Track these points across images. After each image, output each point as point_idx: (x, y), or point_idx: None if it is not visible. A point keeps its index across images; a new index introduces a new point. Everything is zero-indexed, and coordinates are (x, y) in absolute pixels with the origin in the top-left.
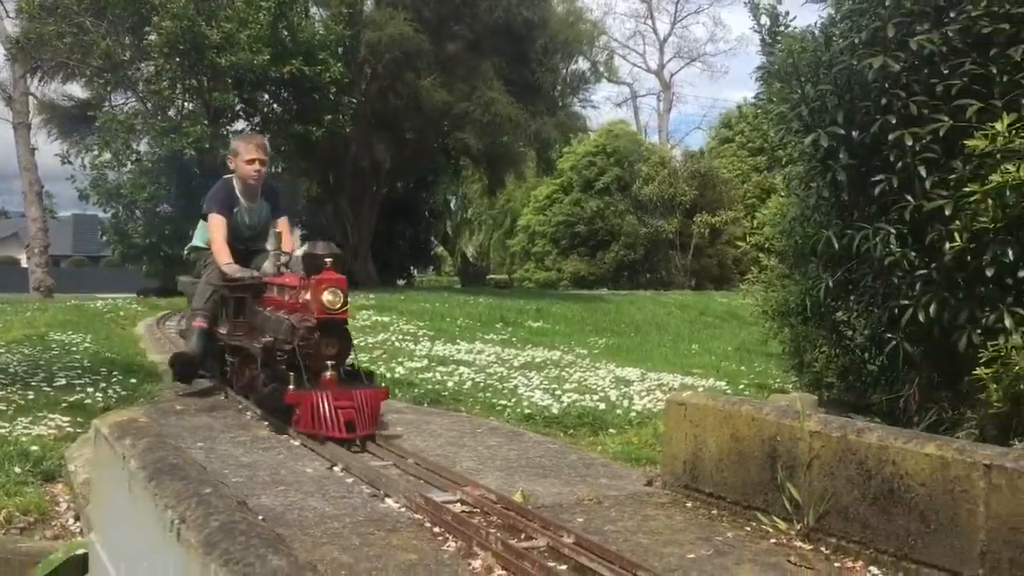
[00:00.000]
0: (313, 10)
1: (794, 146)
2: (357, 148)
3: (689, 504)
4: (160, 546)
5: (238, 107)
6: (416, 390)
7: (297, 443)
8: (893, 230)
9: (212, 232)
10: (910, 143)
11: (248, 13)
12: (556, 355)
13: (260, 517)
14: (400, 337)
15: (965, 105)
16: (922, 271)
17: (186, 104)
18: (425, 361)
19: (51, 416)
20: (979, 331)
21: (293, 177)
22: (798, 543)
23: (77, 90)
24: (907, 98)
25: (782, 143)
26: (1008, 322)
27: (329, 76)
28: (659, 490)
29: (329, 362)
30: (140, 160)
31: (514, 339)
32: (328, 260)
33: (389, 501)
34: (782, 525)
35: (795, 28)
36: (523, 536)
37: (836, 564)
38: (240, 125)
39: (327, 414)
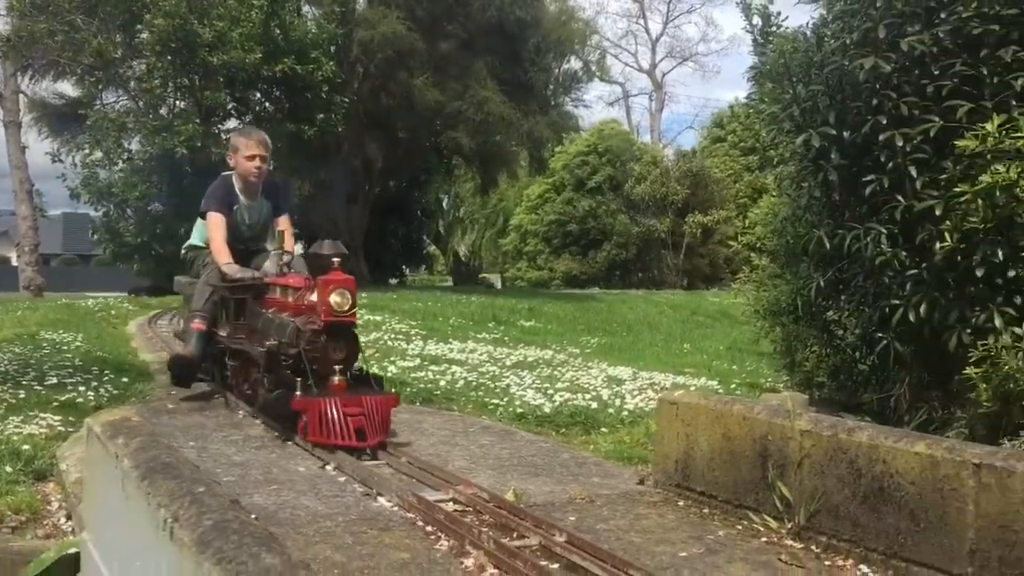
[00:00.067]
0: (305, 8)
1: (786, 146)
2: (349, 147)
3: (681, 503)
4: (153, 545)
5: (230, 106)
6: (408, 389)
7: (289, 442)
8: (884, 230)
9: (211, 231)
10: (901, 143)
11: (240, 11)
12: (548, 354)
13: (253, 516)
14: (392, 336)
15: (955, 106)
16: (913, 271)
17: (178, 102)
18: (417, 360)
19: (42, 415)
20: (969, 331)
21: (285, 176)
22: (789, 541)
23: (68, 88)
24: (898, 99)
25: (774, 143)
26: (998, 322)
27: (321, 75)
28: (651, 489)
29: (337, 367)
30: (131, 159)
31: (506, 338)
32: (335, 260)
33: (382, 500)
34: (773, 524)
35: (787, 28)
36: (515, 535)
37: (827, 562)
38: (232, 123)
39: (336, 421)
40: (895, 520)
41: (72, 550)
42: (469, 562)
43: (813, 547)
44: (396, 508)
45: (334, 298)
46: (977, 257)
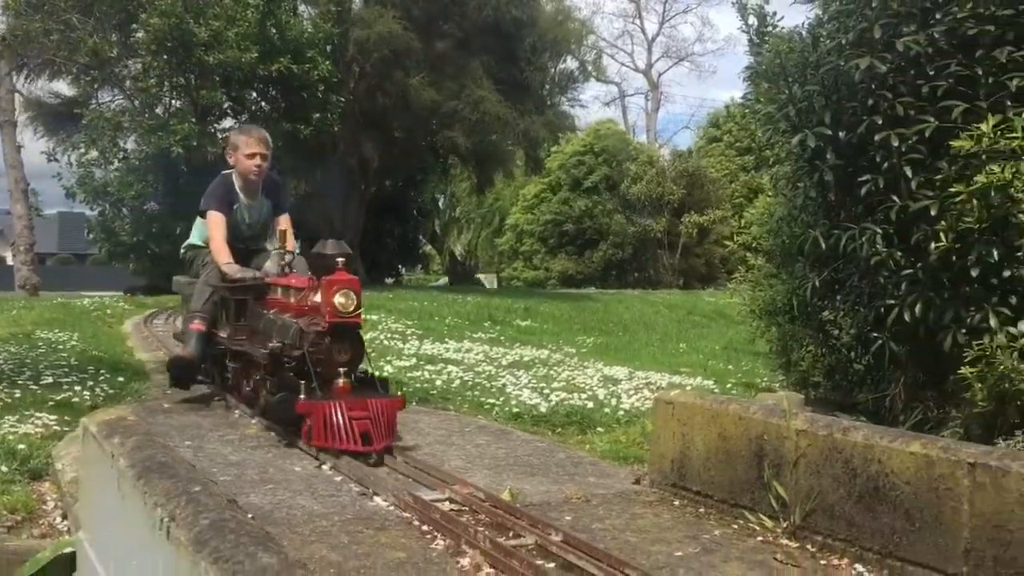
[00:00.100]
0: (301, 8)
1: (781, 146)
2: (345, 146)
3: (677, 502)
4: (149, 544)
5: (226, 105)
6: (405, 389)
7: (285, 442)
8: (879, 230)
9: (211, 230)
10: (896, 144)
11: (236, 11)
12: (544, 354)
13: (249, 515)
14: (388, 336)
15: (951, 106)
16: (908, 271)
17: (174, 102)
18: (413, 360)
19: (38, 414)
20: (964, 331)
21: (281, 175)
22: (784, 541)
23: (64, 87)
24: (893, 99)
25: (770, 143)
26: (993, 322)
27: (317, 74)
28: (647, 488)
29: (341, 369)
30: (127, 158)
31: (502, 338)
32: (340, 260)
33: (378, 499)
34: (769, 523)
35: (783, 28)
36: (511, 534)
37: (822, 562)
38: (228, 123)
39: (341, 426)
40: (890, 519)
41: (68, 549)
42: (465, 561)
43: (809, 546)
44: (392, 508)
45: (339, 299)
46: (972, 257)
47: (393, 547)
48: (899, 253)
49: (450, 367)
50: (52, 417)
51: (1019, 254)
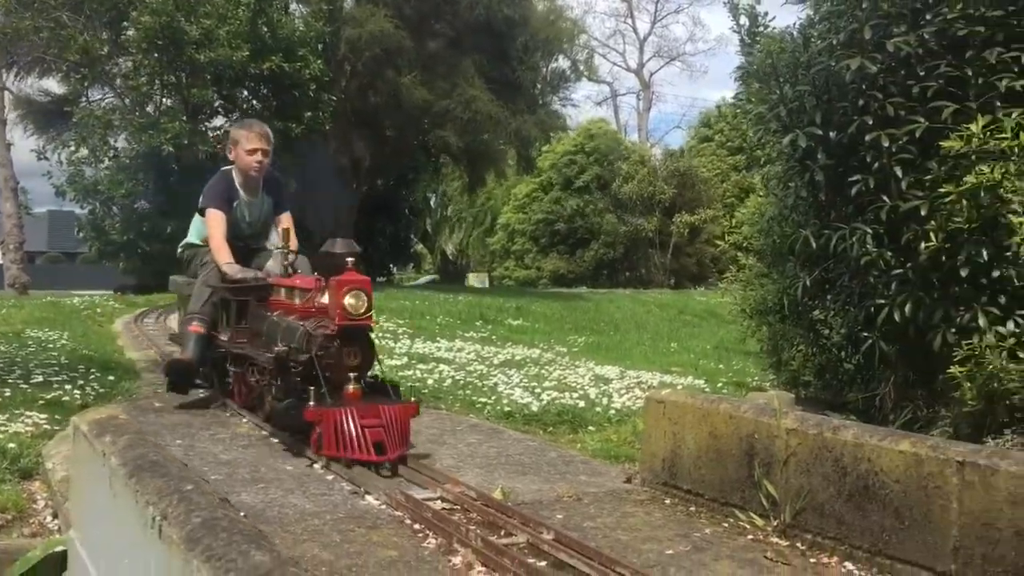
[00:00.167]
0: (293, 6)
1: (772, 146)
2: (337, 145)
3: (668, 501)
4: (141, 543)
5: (217, 103)
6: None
7: (276, 440)
8: (869, 230)
9: (210, 228)
10: (886, 144)
11: (227, 9)
12: (536, 353)
13: (241, 514)
14: (380, 335)
15: (941, 107)
16: (898, 271)
17: (164, 100)
18: (405, 359)
19: (28, 413)
20: (953, 330)
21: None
22: (775, 539)
23: (54, 85)
24: (884, 99)
25: (761, 143)
26: (982, 321)
27: (309, 73)
28: (638, 487)
29: (352, 374)
30: (117, 156)
31: (494, 337)
32: (349, 260)
33: (369, 498)
34: (759, 521)
35: (774, 29)
36: (503, 533)
37: (812, 560)
38: (219, 121)
39: (353, 434)
40: (880, 518)
41: (58, 548)
42: (457, 560)
43: (799, 545)
44: (384, 506)
45: (349, 300)
46: (962, 257)
47: (385, 546)
48: (889, 253)
49: (442, 366)
50: (42, 416)
51: (1008, 254)
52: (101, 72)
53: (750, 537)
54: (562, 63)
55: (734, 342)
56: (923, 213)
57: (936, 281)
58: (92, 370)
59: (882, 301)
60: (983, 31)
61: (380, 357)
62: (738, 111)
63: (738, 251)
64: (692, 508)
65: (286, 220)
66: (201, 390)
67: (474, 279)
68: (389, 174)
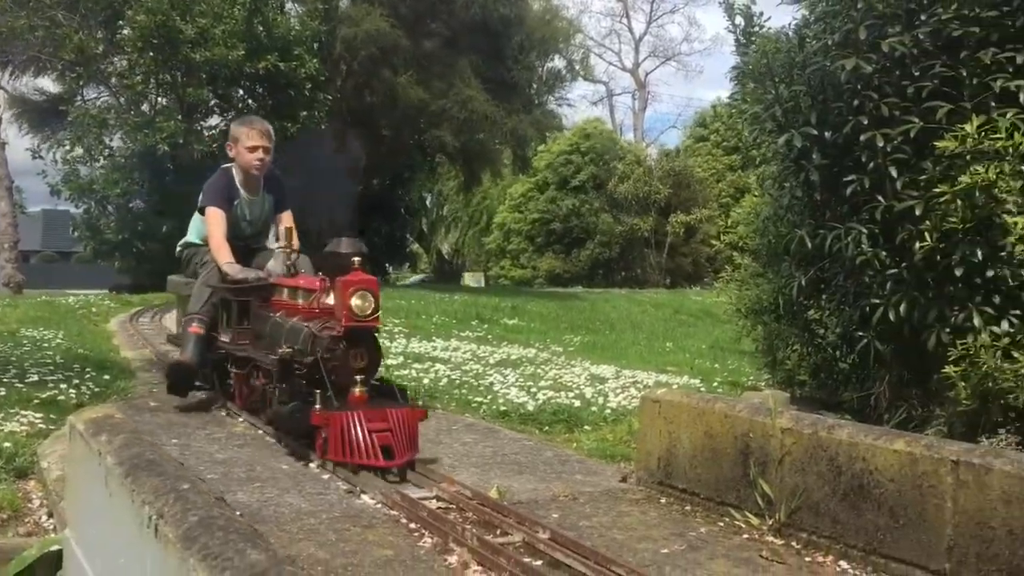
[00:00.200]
0: (288, 6)
1: (768, 146)
2: (333, 145)
3: (663, 500)
4: (137, 542)
5: (212, 103)
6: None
7: (272, 439)
8: (864, 230)
9: (210, 227)
10: (881, 144)
11: (223, 8)
12: (531, 352)
13: (237, 513)
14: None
15: (935, 107)
16: (893, 270)
17: (160, 99)
18: (401, 358)
19: (23, 412)
20: (948, 330)
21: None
22: (770, 538)
23: (49, 84)
24: (879, 99)
25: (756, 143)
26: (977, 321)
27: (304, 72)
28: (633, 486)
29: (358, 376)
30: (113, 155)
31: (490, 336)
32: (355, 260)
33: (365, 497)
34: (754, 520)
35: (769, 29)
36: (499, 532)
37: (807, 559)
38: (214, 121)
39: (361, 438)
40: (874, 517)
41: (54, 547)
42: (453, 559)
43: (794, 543)
44: (379, 505)
45: (355, 301)
46: (956, 257)
47: (380, 545)
48: (884, 253)
49: (438, 365)
50: (37, 415)
51: (1002, 254)
52: (96, 71)
53: (745, 536)
54: (558, 63)
55: (729, 342)
56: (918, 213)
57: (931, 281)
58: (87, 369)
59: (877, 301)
60: (978, 31)
61: None
62: (733, 111)
63: (733, 251)
64: (688, 507)
65: (287, 219)
66: (201, 392)
67: (470, 279)
68: (385, 173)
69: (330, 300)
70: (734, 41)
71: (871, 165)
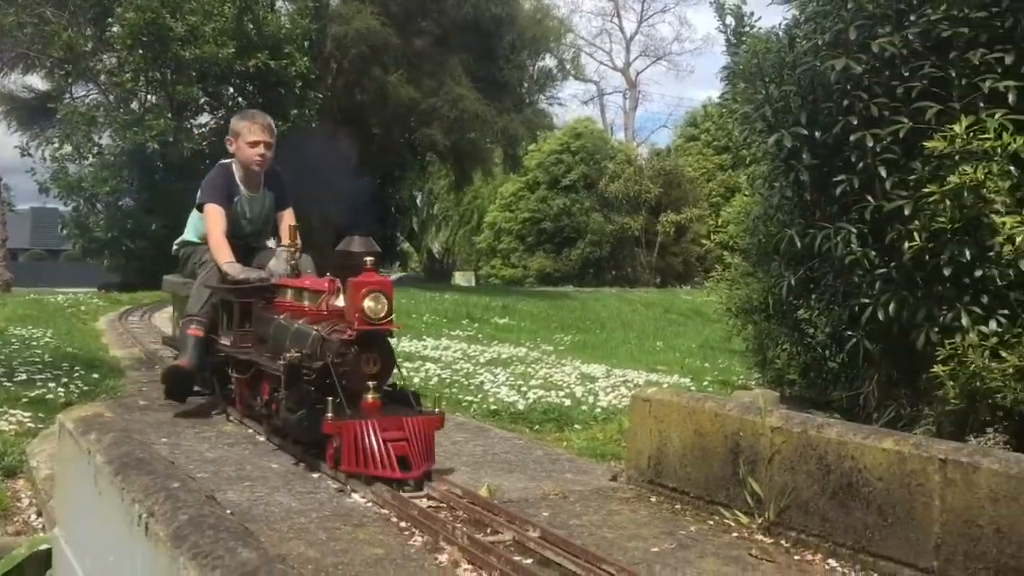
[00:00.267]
0: (279, 3)
1: (758, 146)
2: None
3: (653, 499)
4: (127, 540)
5: (202, 100)
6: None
7: (263, 439)
8: (854, 229)
9: (209, 225)
10: (871, 144)
11: (213, 6)
12: (522, 351)
13: (228, 512)
14: None
15: (925, 107)
16: (882, 270)
17: (149, 97)
18: None
19: (11, 411)
20: (937, 329)
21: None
22: (759, 536)
23: (38, 81)
24: (868, 100)
25: (746, 143)
26: (965, 320)
27: (295, 70)
28: (624, 485)
29: (370, 382)
30: (102, 153)
31: (480, 335)
32: (368, 259)
33: (355, 496)
34: (744, 519)
35: (760, 29)
36: (489, 530)
37: (796, 557)
38: (204, 119)
39: (375, 448)
40: (863, 515)
41: (43, 546)
42: (443, 557)
43: (783, 542)
44: (370, 504)
45: (368, 303)
46: (945, 257)
47: (371, 543)
48: (873, 252)
49: (428, 364)
50: (26, 414)
51: (991, 254)
52: (85, 68)
53: (735, 535)
54: (549, 62)
55: (719, 341)
56: (907, 213)
57: (919, 280)
58: (76, 368)
59: (866, 300)
60: (967, 32)
61: None
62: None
63: (724, 250)
64: (677, 506)
65: (290, 217)
66: (200, 397)
67: (460, 278)
68: (375, 172)
69: (339, 302)
70: (725, 41)
71: (861, 165)
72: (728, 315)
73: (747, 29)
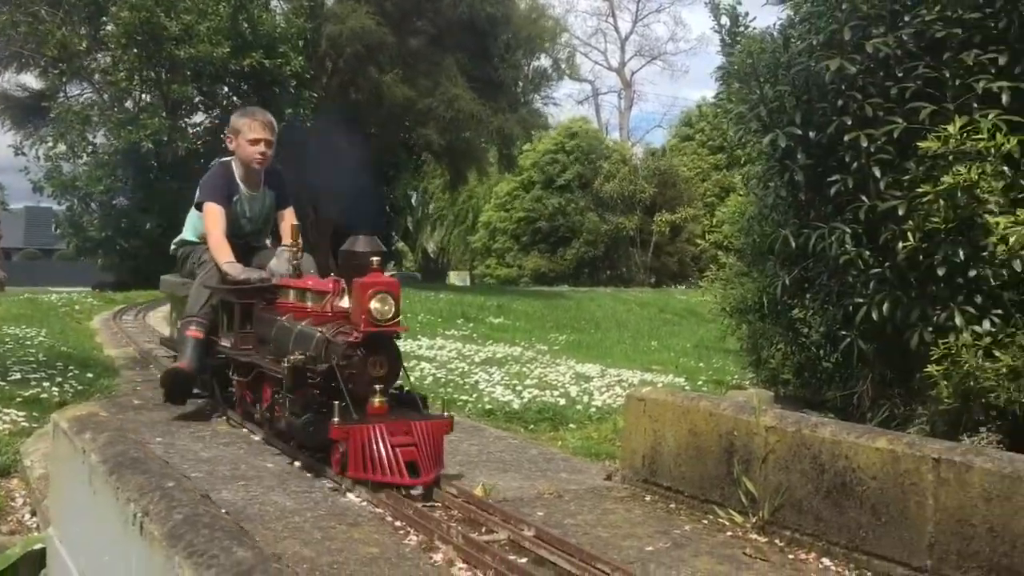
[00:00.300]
0: (274, 3)
1: (753, 146)
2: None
3: (648, 498)
4: (122, 539)
5: (197, 100)
6: None
7: (258, 438)
8: (848, 229)
9: (208, 224)
10: (865, 144)
11: (208, 5)
12: (517, 351)
13: (223, 511)
14: None
15: (918, 108)
16: (876, 270)
17: (144, 96)
18: None
19: (5, 411)
20: (930, 329)
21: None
22: (753, 536)
23: (32, 80)
24: (863, 100)
25: (741, 143)
26: (958, 320)
27: (290, 69)
28: (618, 484)
29: (377, 386)
30: (96, 152)
31: (475, 335)
32: (374, 259)
33: (350, 495)
34: (738, 518)
35: (754, 29)
36: (484, 530)
37: (790, 556)
38: (199, 118)
39: (384, 454)
40: (857, 514)
41: (38, 546)
42: (438, 557)
43: (777, 541)
44: (365, 503)
45: (375, 304)
46: (939, 257)
47: (366, 543)
48: (867, 252)
49: (423, 364)
50: (20, 413)
51: (984, 254)
52: (79, 67)
53: (729, 534)
54: (544, 62)
55: (714, 340)
56: (901, 213)
57: (913, 280)
58: (70, 367)
59: (860, 300)
60: (960, 33)
61: None
62: (719, 111)
63: (718, 250)
64: (672, 505)
65: (290, 216)
66: (200, 400)
67: (455, 277)
68: (371, 171)
69: (344, 303)
70: (719, 41)
71: (855, 165)
72: (723, 315)
73: (742, 29)
